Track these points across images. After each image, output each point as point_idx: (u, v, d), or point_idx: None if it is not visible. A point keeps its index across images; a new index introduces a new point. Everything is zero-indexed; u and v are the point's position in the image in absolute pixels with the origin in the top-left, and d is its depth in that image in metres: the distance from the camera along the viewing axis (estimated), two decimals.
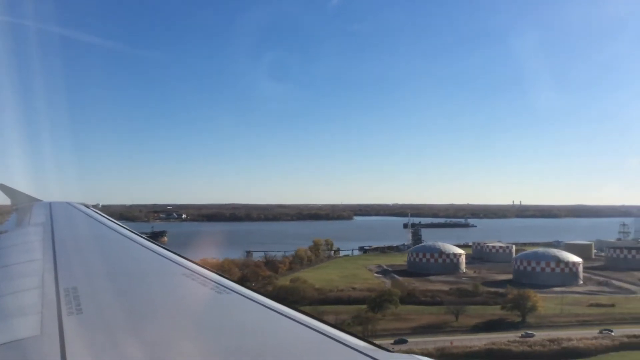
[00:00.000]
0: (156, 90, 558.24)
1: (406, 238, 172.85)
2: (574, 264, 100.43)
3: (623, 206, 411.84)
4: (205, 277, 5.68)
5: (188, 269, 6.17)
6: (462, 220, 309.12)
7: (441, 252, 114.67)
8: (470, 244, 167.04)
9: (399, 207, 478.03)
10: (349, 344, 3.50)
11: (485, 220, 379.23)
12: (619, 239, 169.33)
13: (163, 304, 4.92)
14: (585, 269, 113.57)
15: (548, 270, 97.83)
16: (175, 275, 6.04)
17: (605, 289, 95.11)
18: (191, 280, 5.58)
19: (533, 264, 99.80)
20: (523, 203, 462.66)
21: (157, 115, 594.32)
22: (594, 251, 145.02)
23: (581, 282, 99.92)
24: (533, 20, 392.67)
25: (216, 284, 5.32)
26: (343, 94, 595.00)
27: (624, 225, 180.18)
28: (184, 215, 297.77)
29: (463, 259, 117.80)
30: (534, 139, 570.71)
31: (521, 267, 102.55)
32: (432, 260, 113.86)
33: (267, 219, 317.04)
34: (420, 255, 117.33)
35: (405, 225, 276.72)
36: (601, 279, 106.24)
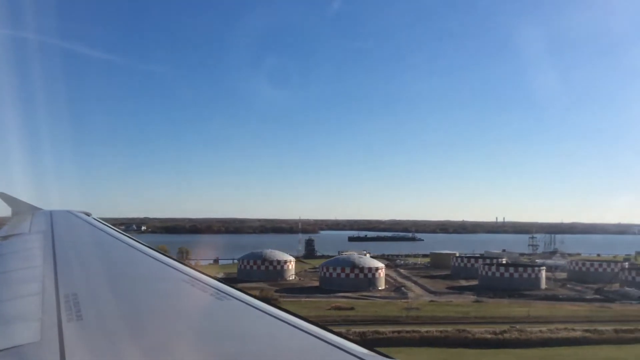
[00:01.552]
0: (155, 100, 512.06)
1: (297, 249, 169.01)
2: (371, 269, 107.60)
3: (608, 224, 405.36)
4: (205, 284, 5.30)
5: (188, 275, 5.79)
6: (409, 234, 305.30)
7: (264, 259, 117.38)
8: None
9: (379, 222, 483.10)
10: (350, 351, 3.37)
11: (454, 235, 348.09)
12: (502, 251, 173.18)
13: (163, 311, 4.57)
14: (433, 277, 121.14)
15: (343, 275, 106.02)
16: (175, 281, 5.67)
17: (392, 294, 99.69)
18: (191, 287, 5.25)
19: (331, 269, 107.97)
20: (507, 219, 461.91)
21: (154, 127, 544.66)
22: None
23: (380, 287, 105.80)
24: (539, 35, 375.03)
25: (216, 290, 4.95)
26: (336, 106, 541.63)
27: (532, 238, 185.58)
28: (143, 227, 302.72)
29: (290, 266, 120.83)
30: (530, 155, 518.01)
31: (322, 273, 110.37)
32: (255, 267, 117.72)
33: (227, 231, 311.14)
34: (245, 263, 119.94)
35: (351, 238, 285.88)
36: (403, 284, 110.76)
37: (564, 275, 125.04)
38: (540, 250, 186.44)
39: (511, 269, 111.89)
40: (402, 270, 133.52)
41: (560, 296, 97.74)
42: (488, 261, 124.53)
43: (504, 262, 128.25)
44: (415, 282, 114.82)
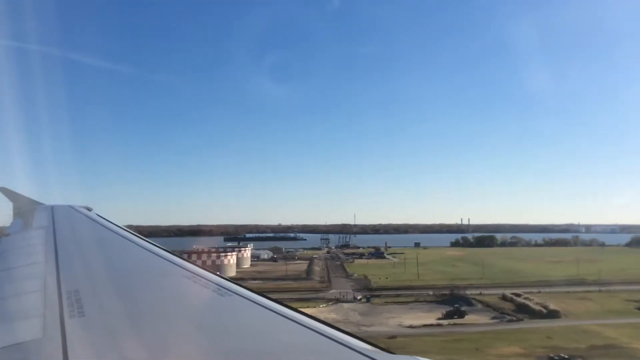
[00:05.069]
0: (157, 105, 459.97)
1: None
2: None
3: (558, 225, 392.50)
4: (208, 280, 5.28)
5: (190, 271, 5.74)
6: (291, 234, 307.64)
7: None
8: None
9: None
10: (351, 346, 3.40)
11: (370, 235, 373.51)
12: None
13: (165, 307, 4.56)
14: None
15: None
16: (177, 277, 5.64)
17: None
18: (193, 283, 5.24)
19: None
20: (472, 222, 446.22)
21: (153, 129, 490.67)
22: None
23: None
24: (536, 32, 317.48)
25: (218, 286, 4.95)
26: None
27: (325, 235, 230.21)
28: None
29: None
30: (495, 159, 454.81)
31: None
32: None
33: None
34: None
35: (226, 238, 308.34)
36: None
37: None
38: (332, 244, 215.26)
39: None
40: None
41: None
42: None
43: None
44: None
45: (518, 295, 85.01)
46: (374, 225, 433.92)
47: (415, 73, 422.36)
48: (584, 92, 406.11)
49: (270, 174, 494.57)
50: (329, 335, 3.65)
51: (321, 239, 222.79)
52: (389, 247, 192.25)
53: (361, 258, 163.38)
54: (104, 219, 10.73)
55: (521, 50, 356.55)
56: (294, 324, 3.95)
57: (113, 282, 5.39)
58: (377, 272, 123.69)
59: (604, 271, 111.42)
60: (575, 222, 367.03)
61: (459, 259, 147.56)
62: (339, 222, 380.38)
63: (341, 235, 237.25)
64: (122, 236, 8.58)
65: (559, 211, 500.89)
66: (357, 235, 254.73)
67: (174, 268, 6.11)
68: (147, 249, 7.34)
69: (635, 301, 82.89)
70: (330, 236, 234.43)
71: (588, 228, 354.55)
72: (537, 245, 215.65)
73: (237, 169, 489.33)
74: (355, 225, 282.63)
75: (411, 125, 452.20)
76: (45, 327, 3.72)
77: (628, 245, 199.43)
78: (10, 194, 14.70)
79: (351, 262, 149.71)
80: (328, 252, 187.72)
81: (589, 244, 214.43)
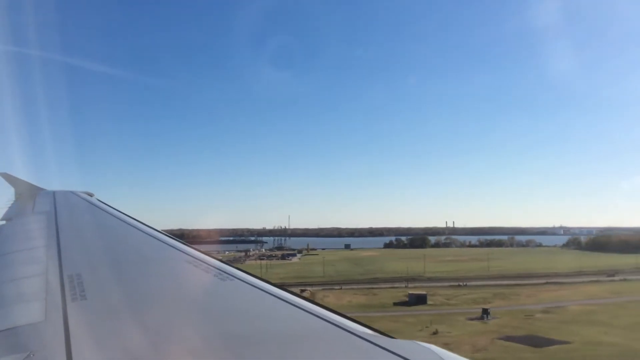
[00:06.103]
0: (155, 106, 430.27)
1: None
2: None
3: (539, 227, 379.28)
4: (209, 265, 5.20)
5: (192, 256, 5.68)
6: (252, 238, 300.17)
7: None
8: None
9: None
10: (352, 331, 3.36)
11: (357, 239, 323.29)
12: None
13: (167, 291, 4.53)
14: None
15: None
16: (179, 262, 5.55)
17: None
18: (194, 268, 5.17)
19: None
20: (457, 225, 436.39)
21: (148, 128, 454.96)
22: None
23: None
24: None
25: (219, 271, 4.90)
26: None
27: (261, 238, 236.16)
28: None
29: None
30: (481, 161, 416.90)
31: None
32: None
33: None
34: None
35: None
36: None
37: None
38: (267, 246, 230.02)
39: None
40: None
41: None
42: None
43: None
44: None
45: (304, 290, 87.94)
46: (351, 229, 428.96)
47: (411, 75, 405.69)
48: (580, 92, 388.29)
49: (264, 177, 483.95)
50: (330, 320, 3.63)
51: (255, 241, 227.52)
52: (312, 249, 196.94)
53: (263, 259, 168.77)
54: (106, 204, 10.54)
55: (514, 52, 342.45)
56: (295, 308, 3.91)
57: (115, 266, 5.25)
58: None
59: (465, 269, 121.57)
60: (557, 224, 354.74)
61: (351, 260, 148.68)
62: (316, 227, 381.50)
63: (276, 238, 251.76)
64: (124, 221, 8.42)
65: (554, 213, 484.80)
66: (292, 238, 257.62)
67: (176, 253, 6.01)
68: (148, 234, 7.20)
69: (406, 295, 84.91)
70: (269, 239, 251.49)
71: (567, 230, 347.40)
72: (470, 246, 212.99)
73: (234, 171, 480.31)
74: (289, 229, 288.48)
75: (409, 126, 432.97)
76: (47, 310, 3.65)
77: (565, 246, 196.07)
78: (12, 180, 14.41)
79: (242, 262, 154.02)
80: (245, 254, 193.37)
81: (526, 244, 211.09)
